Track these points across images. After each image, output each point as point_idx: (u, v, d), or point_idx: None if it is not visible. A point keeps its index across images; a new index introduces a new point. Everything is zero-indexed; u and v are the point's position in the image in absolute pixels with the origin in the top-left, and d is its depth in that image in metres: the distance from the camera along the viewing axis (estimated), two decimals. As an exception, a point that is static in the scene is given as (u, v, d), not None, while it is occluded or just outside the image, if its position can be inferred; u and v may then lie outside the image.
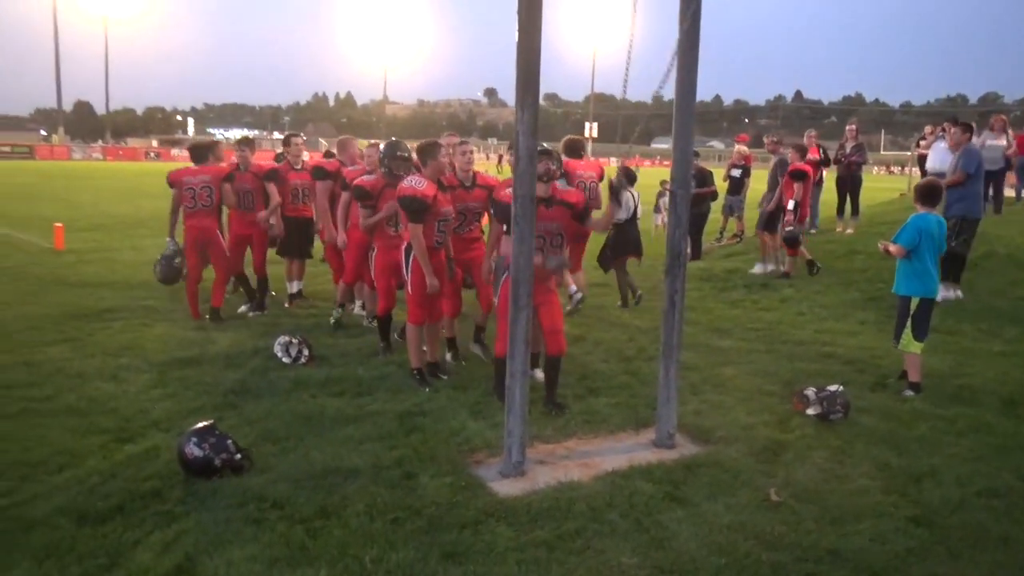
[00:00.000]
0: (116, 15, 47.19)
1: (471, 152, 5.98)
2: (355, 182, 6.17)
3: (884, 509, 3.76)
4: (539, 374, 5.46)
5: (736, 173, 13.22)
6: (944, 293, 8.84)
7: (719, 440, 4.58)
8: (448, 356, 6.18)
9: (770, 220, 10.09)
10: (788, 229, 9.54)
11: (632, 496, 3.79)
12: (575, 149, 7.73)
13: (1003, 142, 11.90)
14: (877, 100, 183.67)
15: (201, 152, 7.52)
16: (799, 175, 9.67)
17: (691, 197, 10.73)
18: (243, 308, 7.83)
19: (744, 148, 13.49)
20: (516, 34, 3.76)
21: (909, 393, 5.50)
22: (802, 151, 10.38)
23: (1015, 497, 3.91)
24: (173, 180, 7.27)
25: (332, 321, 7.14)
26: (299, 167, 8.05)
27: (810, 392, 5.05)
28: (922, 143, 18.46)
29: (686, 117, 4.35)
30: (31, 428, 4.57)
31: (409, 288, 5.50)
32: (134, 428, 4.58)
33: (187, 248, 7.36)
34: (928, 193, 5.73)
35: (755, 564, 3.23)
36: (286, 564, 3.13)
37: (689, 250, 9.81)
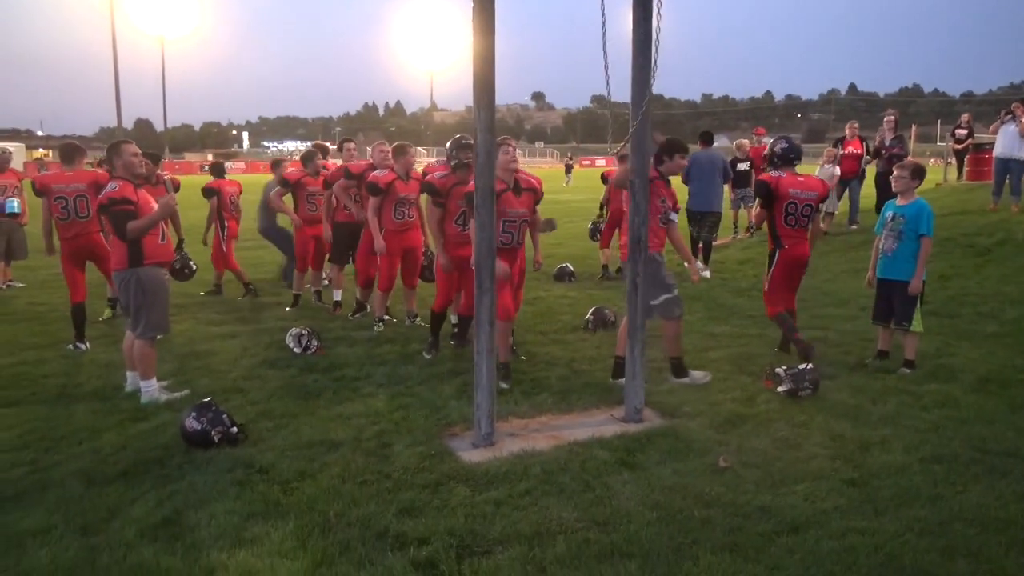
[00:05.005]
0: (172, 35, 49.53)
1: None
2: (426, 179, 6.29)
3: (825, 473, 3.97)
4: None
5: (743, 167, 13.17)
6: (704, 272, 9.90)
7: (684, 415, 4.84)
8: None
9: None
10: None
11: (586, 462, 4.09)
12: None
13: None
14: (936, 90, 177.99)
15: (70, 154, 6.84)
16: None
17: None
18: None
19: (746, 142, 13.81)
20: (472, 39, 4.12)
21: (905, 371, 5.63)
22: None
23: (958, 464, 4.06)
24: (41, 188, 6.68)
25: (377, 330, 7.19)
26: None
27: (780, 370, 5.26)
28: (958, 132, 18.15)
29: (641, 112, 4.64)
30: (62, 409, 5.10)
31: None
32: (149, 409, 5.06)
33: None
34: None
35: (685, 518, 3.49)
36: (261, 517, 3.53)
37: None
